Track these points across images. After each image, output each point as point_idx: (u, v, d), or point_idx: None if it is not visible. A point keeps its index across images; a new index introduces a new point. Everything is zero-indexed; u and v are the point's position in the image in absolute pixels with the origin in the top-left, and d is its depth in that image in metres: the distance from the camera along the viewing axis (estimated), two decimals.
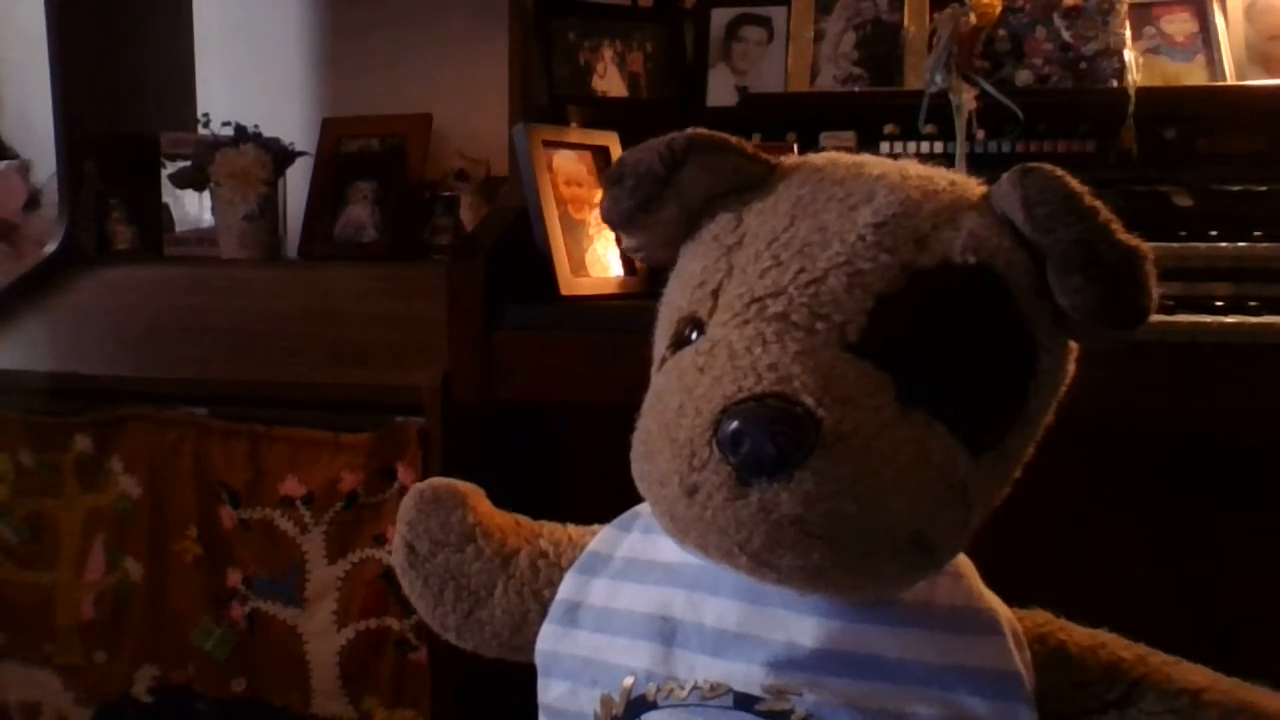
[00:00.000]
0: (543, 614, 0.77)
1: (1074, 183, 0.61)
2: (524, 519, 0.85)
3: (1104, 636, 0.71)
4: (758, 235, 0.64)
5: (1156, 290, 0.60)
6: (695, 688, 0.67)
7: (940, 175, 0.66)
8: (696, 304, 0.65)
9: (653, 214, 0.69)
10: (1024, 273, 0.61)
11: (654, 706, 0.68)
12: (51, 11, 1.92)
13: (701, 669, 0.67)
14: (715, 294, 0.64)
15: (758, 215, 0.66)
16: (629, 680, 0.70)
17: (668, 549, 0.71)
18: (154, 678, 1.58)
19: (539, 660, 0.76)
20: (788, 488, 0.55)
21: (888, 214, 0.62)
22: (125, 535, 1.58)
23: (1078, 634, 0.71)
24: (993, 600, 0.68)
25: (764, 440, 0.55)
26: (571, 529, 0.83)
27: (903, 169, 0.67)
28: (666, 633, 0.70)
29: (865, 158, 0.70)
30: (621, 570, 0.75)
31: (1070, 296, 0.60)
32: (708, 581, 0.69)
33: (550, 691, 0.75)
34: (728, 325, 0.61)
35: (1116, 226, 0.61)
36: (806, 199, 0.65)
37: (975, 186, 0.66)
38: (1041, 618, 0.71)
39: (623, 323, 1.23)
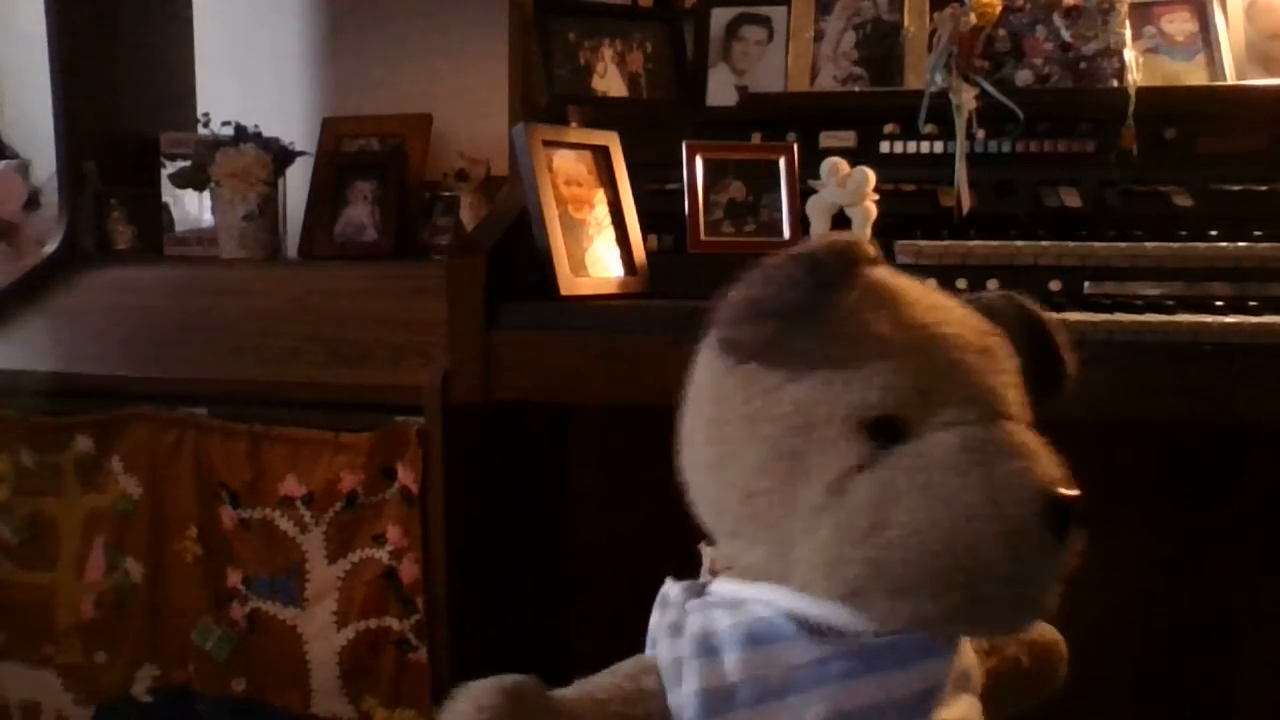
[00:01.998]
0: None
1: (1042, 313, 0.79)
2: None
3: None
4: (935, 339, 0.71)
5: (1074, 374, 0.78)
6: None
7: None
8: (899, 405, 0.69)
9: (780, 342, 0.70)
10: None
11: None
12: (51, 12, 1.92)
13: None
14: (925, 394, 0.69)
15: (905, 317, 0.72)
16: None
17: (800, 651, 0.71)
18: (154, 678, 1.58)
19: None
20: (1064, 551, 0.67)
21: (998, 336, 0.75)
22: (125, 535, 1.58)
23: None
24: None
25: (1071, 519, 0.67)
26: (614, 685, 0.75)
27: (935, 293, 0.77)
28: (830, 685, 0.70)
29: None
30: (757, 693, 0.71)
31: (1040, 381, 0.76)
32: (871, 663, 0.71)
33: None
34: (968, 425, 0.69)
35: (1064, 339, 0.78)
36: (930, 312, 0.73)
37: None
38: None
39: (623, 323, 1.23)
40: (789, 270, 0.67)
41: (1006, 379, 0.72)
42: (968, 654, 0.76)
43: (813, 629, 0.71)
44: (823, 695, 0.70)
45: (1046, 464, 0.68)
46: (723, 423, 0.73)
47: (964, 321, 0.74)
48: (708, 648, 0.72)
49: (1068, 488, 0.67)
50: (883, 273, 0.74)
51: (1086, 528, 0.68)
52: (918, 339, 0.71)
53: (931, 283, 0.80)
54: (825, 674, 0.70)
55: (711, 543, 0.78)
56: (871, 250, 0.71)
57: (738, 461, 0.72)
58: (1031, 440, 0.69)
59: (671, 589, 0.77)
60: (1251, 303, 1.17)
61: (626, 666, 0.76)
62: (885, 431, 0.68)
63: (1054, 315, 0.80)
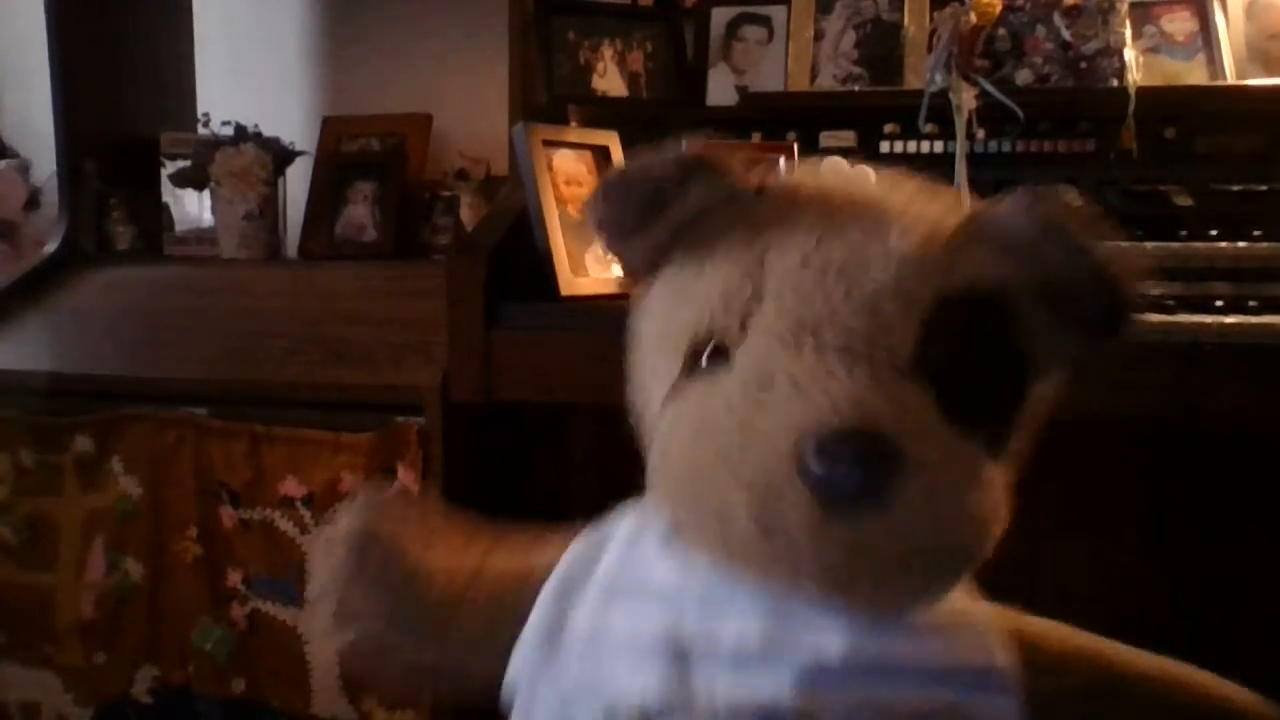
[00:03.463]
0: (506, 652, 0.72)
1: (1078, 213, 0.66)
2: (459, 548, 0.79)
3: (1066, 629, 0.73)
4: (785, 256, 0.64)
5: (1139, 301, 0.64)
6: (715, 710, 0.64)
7: (935, 198, 0.68)
8: (718, 327, 0.64)
9: (645, 231, 0.68)
10: (1024, 292, 0.64)
11: None
12: (51, 11, 1.92)
13: (722, 688, 0.64)
14: (743, 317, 0.63)
15: (775, 234, 0.65)
16: (637, 704, 0.65)
17: (662, 566, 0.69)
18: (154, 678, 1.58)
19: (514, 692, 0.72)
20: (875, 520, 0.57)
21: (915, 241, 0.63)
22: (125, 535, 1.57)
23: (1043, 625, 0.72)
24: (975, 597, 0.70)
25: (856, 473, 0.56)
26: (515, 559, 0.77)
27: (893, 194, 0.68)
28: (679, 654, 0.66)
29: (848, 180, 0.71)
30: (608, 590, 0.71)
31: (1071, 311, 0.64)
32: (720, 598, 0.66)
33: None
34: (776, 353, 0.61)
35: (1110, 253, 0.64)
36: (823, 220, 0.65)
37: (965, 207, 0.68)
38: (1012, 614, 0.71)
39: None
40: (660, 160, 0.67)
41: (876, 308, 0.61)
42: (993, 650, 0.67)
43: (674, 547, 0.69)
44: (664, 611, 0.67)
45: (840, 404, 0.57)
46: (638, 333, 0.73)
47: (856, 231, 0.64)
48: (596, 542, 0.74)
49: (855, 435, 0.56)
50: (809, 178, 0.70)
51: (889, 486, 0.56)
52: (765, 253, 0.64)
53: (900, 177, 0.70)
54: (679, 593, 0.67)
55: None
56: (736, 161, 0.68)
57: (631, 380, 0.73)
58: (843, 381, 0.58)
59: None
60: (1251, 303, 1.17)
61: (546, 534, 0.78)
62: (708, 354, 0.63)
63: (1104, 237, 0.64)
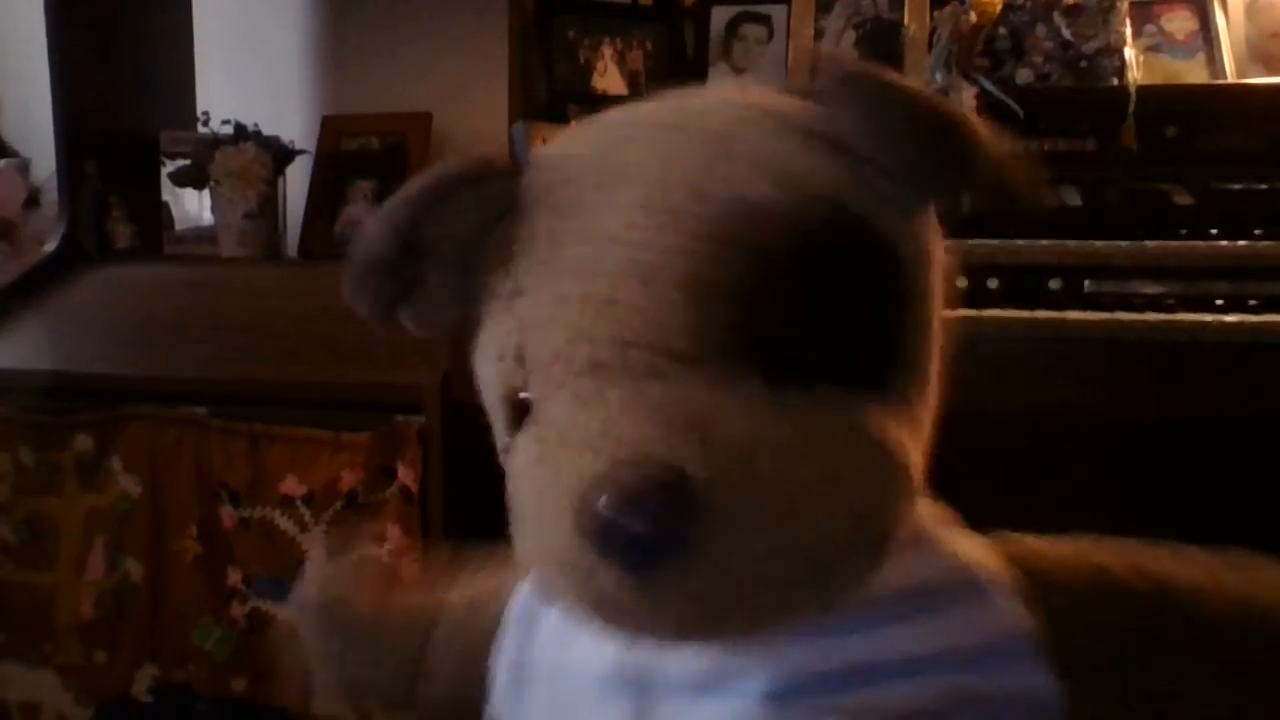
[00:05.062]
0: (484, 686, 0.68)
1: (899, 82, 0.52)
2: (416, 596, 0.76)
3: (1078, 545, 0.63)
4: (529, 270, 0.52)
5: (991, 146, 0.52)
6: None
7: (696, 103, 0.56)
8: (506, 379, 0.53)
9: (416, 295, 0.57)
10: (855, 182, 0.51)
11: None
12: (51, 11, 1.91)
13: (685, 716, 0.57)
14: (519, 360, 0.52)
15: (523, 243, 0.53)
16: None
17: None
18: (154, 677, 1.58)
19: None
20: (697, 562, 0.46)
21: (669, 179, 0.50)
22: (125, 535, 1.57)
23: (1054, 552, 0.61)
24: (969, 549, 0.60)
25: (641, 527, 0.45)
26: (473, 590, 0.73)
27: (654, 116, 0.55)
28: (639, 682, 0.59)
29: (634, 123, 0.56)
30: (563, 619, 0.61)
31: (907, 174, 0.52)
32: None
33: None
34: (547, 398, 0.50)
35: (929, 95, 0.54)
36: (561, 203, 0.52)
37: (753, 101, 0.55)
38: (1012, 543, 0.61)
39: None
40: (375, 224, 0.56)
41: (626, 305, 0.48)
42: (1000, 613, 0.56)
43: None
44: (606, 647, 0.59)
45: (605, 452, 0.46)
46: None
47: (602, 221, 0.50)
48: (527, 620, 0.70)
49: (649, 498, 0.45)
50: (568, 155, 0.56)
51: (683, 542, 0.45)
52: (518, 275, 0.52)
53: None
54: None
55: None
56: (457, 169, 0.55)
57: None
58: (603, 414, 0.47)
59: None
60: (1251, 302, 1.17)
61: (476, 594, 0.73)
62: (516, 410, 0.52)
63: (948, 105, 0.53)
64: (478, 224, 0.55)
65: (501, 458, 0.56)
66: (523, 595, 0.68)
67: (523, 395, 0.52)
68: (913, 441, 0.53)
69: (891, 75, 0.51)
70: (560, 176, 0.53)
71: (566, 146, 0.58)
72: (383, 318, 0.59)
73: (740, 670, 0.56)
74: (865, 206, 0.50)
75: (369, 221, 0.58)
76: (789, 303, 0.48)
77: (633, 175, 0.51)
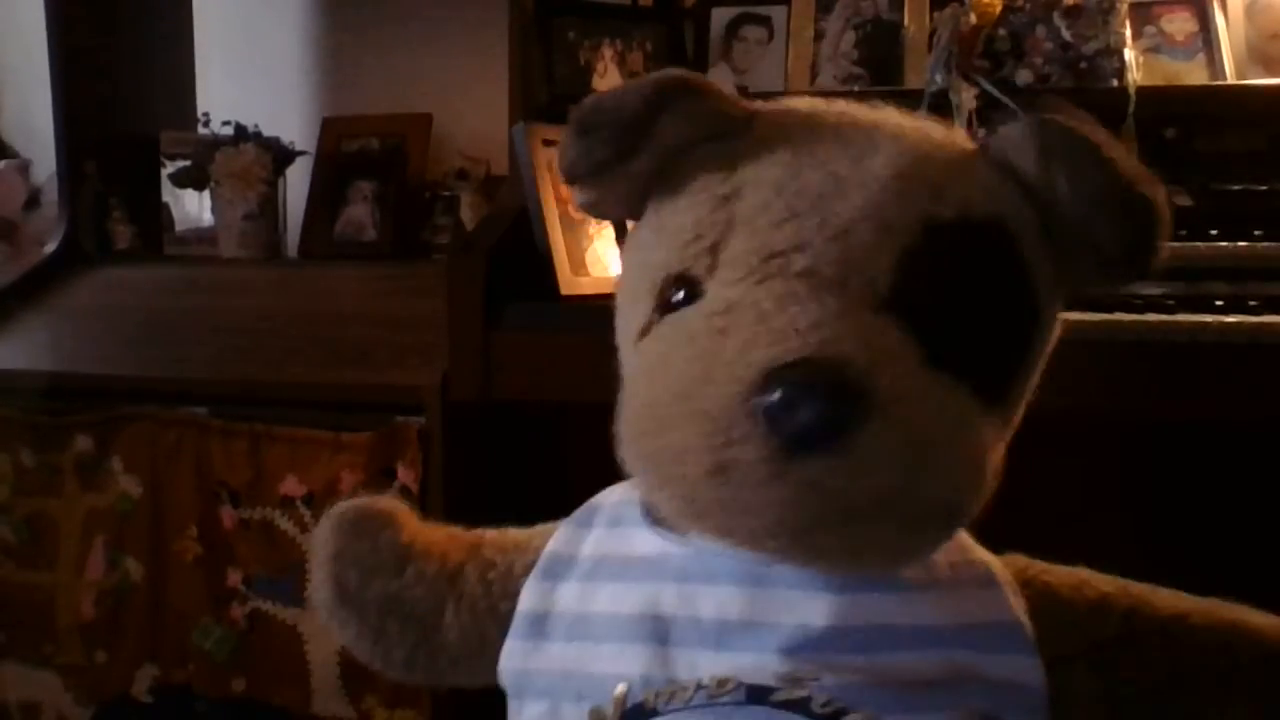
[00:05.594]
0: (502, 631, 0.70)
1: (1092, 131, 0.60)
2: (459, 530, 0.78)
3: (1082, 573, 0.70)
4: (760, 184, 0.60)
5: (1168, 236, 0.59)
6: (700, 687, 0.60)
7: (932, 126, 0.65)
8: (690, 261, 0.60)
9: (624, 166, 0.63)
10: (1029, 224, 0.60)
11: (655, 713, 0.61)
12: (51, 11, 1.91)
13: (705, 666, 0.61)
14: (714, 249, 0.59)
15: (753, 163, 0.61)
16: (621, 688, 0.62)
17: (643, 542, 0.67)
18: (154, 677, 1.58)
19: (506, 681, 0.70)
20: (837, 461, 0.51)
21: (903, 164, 0.59)
22: (125, 535, 1.57)
23: (1059, 573, 0.69)
24: (981, 550, 0.66)
25: (816, 409, 0.50)
26: (515, 533, 0.76)
27: (895, 118, 0.65)
28: (659, 632, 0.63)
29: (849, 105, 0.66)
30: (592, 570, 0.68)
31: (1087, 245, 0.59)
32: (699, 570, 0.63)
33: (525, 713, 0.68)
34: (742, 283, 0.57)
35: (1136, 174, 0.59)
36: (806, 146, 0.61)
37: (968, 138, 0.66)
38: (1021, 561, 0.68)
39: None
40: (631, 87, 0.63)
41: (851, 234, 0.57)
42: (1008, 604, 0.63)
43: (658, 522, 0.66)
44: (644, 590, 0.65)
45: (803, 333, 0.53)
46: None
47: (840, 159, 0.60)
48: (583, 519, 0.73)
49: (816, 366, 0.51)
50: (803, 104, 0.66)
51: (859, 437, 0.51)
52: (742, 184, 0.60)
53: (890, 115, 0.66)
54: (659, 569, 0.65)
55: None
56: (715, 84, 0.64)
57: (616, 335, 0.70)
58: (808, 309, 0.54)
59: None
60: (1251, 302, 1.17)
61: (518, 537, 0.76)
62: (678, 291, 0.60)
63: (1134, 168, 0.59)
64: (702, 133, 0.63)
65: (629, 338, 0.65)
66: (547, 553, 0.71)
67: (695, 277, 0.59)
68: (1000, 450, 0.61)
69: (1110, 147, 0.59)
70: (802, 126, 0.63)
71: (798, 109, 0.66)
72: (592, 172, 0.64)
73: (760, 626, 0.61)
74: (1032, 250, 0.60)
75: (624, 87, 0.64)
76: (961, 305, 0.57)
77: (886, 153, 0.60)
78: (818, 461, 0.51)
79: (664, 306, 0.61)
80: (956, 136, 0.65)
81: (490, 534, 0.77)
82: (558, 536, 0.72)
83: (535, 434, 1.50)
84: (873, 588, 0.61)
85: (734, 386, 0.52)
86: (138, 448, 1.56)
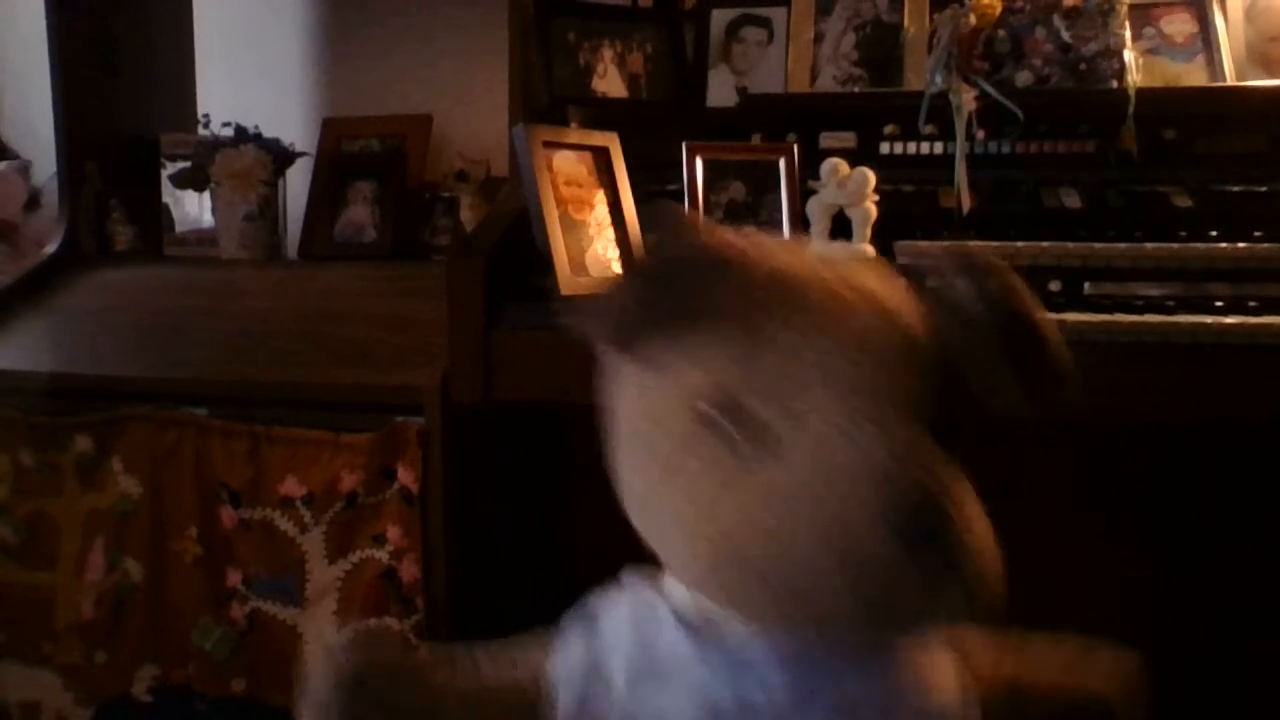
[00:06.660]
0: None
1: (1019, 285, 0.70)
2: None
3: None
4: (805, 332, 0.66)
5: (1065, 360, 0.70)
6: None
7: (895, 282, 0.72)
8: (748, 401, 0.65)
9: (671, 328, 0.68)
10: (979, 355, 0.69)
11: None
12: (51, 12, 1.92)
13: None
14: (785, 396, 0.64)
15: (802, 318, 0.67)
16: None
17: (681, 643, 0.71)
18: (154, 677, 1.58)
19: None
20: (958, 564, 0.60)
21: (909, 318, 0.68)
22: (125, 535, 1.57)
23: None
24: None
25: (948, 530, 0.60)
26: (506, 674, 0.79)
27: (870, 277, 0.71)
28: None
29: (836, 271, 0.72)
30: (632, 681, 0.72)
31: (1007, 379, 0.68)
32: (745, 661, 0.69)
33: None
34: (831, 425, 0.63)
35: (1049, 329, 0.70)
36: (839, 309, 0.68)
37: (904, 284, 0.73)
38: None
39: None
40: (676, 260, 0.67)
41: (900, 375, 0.65)
42: (940, 680, 0.72)
43: (692, 623, 0.71)
44: (694, 689, 0.69)
45: (914, 466, 0.62)
46: (613, 416, 0.74)
47: (864, 311, 0.68)
48: (599, 629, 0.75)
49: (937, 495, 0.61)
50: (789, 259, 0.71)
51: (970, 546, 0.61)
52: (790, 325, 0.66)
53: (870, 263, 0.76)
54: (700, 668, 0.69)
55: None
56: (739, 243, 0.68)
57: (621, 451, 0.73)
58: (904, 438, 0.63)
59: (625, 576, 0.79)
60: (1251, 303, 1.17)
61: (527, 640, 0.79)
62: (734, 418, 0.65)
63: (1041, 311, 0.71)
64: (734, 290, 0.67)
65: (648, 474, 0.69)
66: (572, 670, 0.74)
67: (757, 418, 0.64)
68: None
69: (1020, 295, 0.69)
70: (796, 288, 0.68)
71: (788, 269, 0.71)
72: (633, 333, 0.70)
73: (812, 697, 0.68)
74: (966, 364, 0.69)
75: (671, 248, 0.68)
76: (942, 419, 0.66)
77: (897, 311, 0.68)
78: (954, 568, 0.60)
79: (725, 429, 0.65)
80: (905, 291, 0.72)
81: (487, 671, 0.79)
82: (575, 654, 0.75)
83: (535, 434, 1.50)
84: (877, 660, 0.70)
85: (870, 520, 0.60)
86: (137, 448, 1.56)
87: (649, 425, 0.69)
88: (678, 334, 0.67)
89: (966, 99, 1.41)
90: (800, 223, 1.37)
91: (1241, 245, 1.26)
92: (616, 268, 1.36)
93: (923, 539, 0.59)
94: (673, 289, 0.67)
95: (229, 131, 1.95)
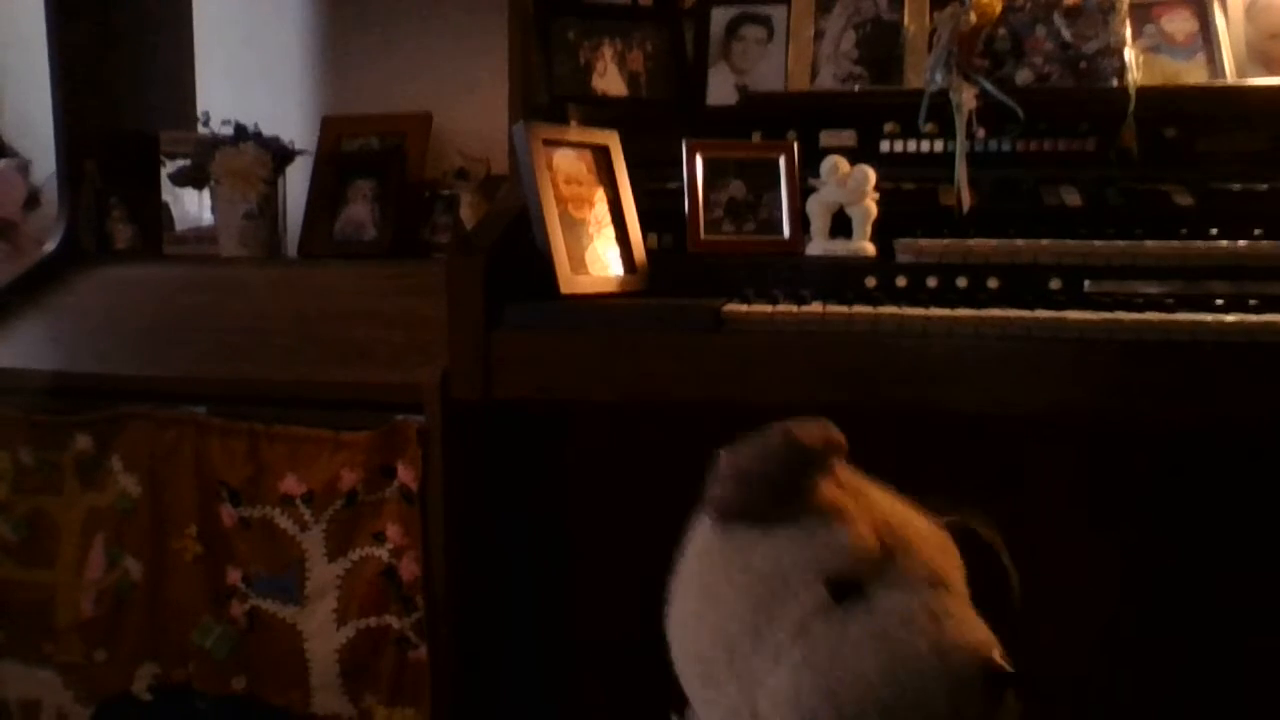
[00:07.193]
0: None
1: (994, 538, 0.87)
2: None
3: None
4: (895, 524, 0.82)
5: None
6: None
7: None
8: (857, 568, 0.79)
9: (763, 513, 0.82)
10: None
11: None
12: (51, 11, 1.92)
13: None
14: (880, 561, 0.79)
15: (881, 508, 0.84)
16: None
17: None
18: (154, 676, 1.58)
19: None
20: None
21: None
22: (125, 534, 1.58)
23: None
24: None
25: (1010, 679, 0.75)
26: None
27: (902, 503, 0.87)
28: None
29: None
30: None
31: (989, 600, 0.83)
32: None
33: None
34: (916, 590, 0.78)
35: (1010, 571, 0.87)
36: (896, 508, 0.85)
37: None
38: None
39: (623, 321, 1.23)
40: (775, 447, 0.80)
41: (952, 562, 0.82)
42: None
43: None
44: None
45: (987, 634, 0.78)
46: (707, 574, 0.83)
47: (915, 513, 0.85)
48: None
49: (1004, 657, 0.76)
50: (848, 469, 0.86)
51: (1024, 693, 0.74)
52: (878, 514, 0.82)
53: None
54: None
55: (681, 713, 0.89)
56: (840, 438, 0.83)
57: (717, 607, 0.82)
58: (973, 615, 0.79)
59: None
60: (1251, 301, 1.17)
61: None
62: (844, 588, 0.78)
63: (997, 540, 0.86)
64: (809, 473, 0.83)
65: (805, 618, 0.79)
66: None
67: (860, 580, 0.79)
68: None
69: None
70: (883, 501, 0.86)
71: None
72: (731, 515, 0.83)
73: None
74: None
75: (767, 442, 0.81)
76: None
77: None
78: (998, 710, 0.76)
79: (835, 598, 0.78)
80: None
81: None
82: None
83: (535, 433, 1.50)
84: None
85: (969, 668, 0.74)
86: (137, 447, 1.56)
87: (758, 581, 0.81)
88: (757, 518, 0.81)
89: (967, 97, 1.41)
90: (800, 221, 1.38)
91: (1242, 243, 1.26)
92: (616, 266, 1.36)
93: (975, 700, 0.75)
94: (756, 484, 0.81)
95: (229, 130, 1.95)
